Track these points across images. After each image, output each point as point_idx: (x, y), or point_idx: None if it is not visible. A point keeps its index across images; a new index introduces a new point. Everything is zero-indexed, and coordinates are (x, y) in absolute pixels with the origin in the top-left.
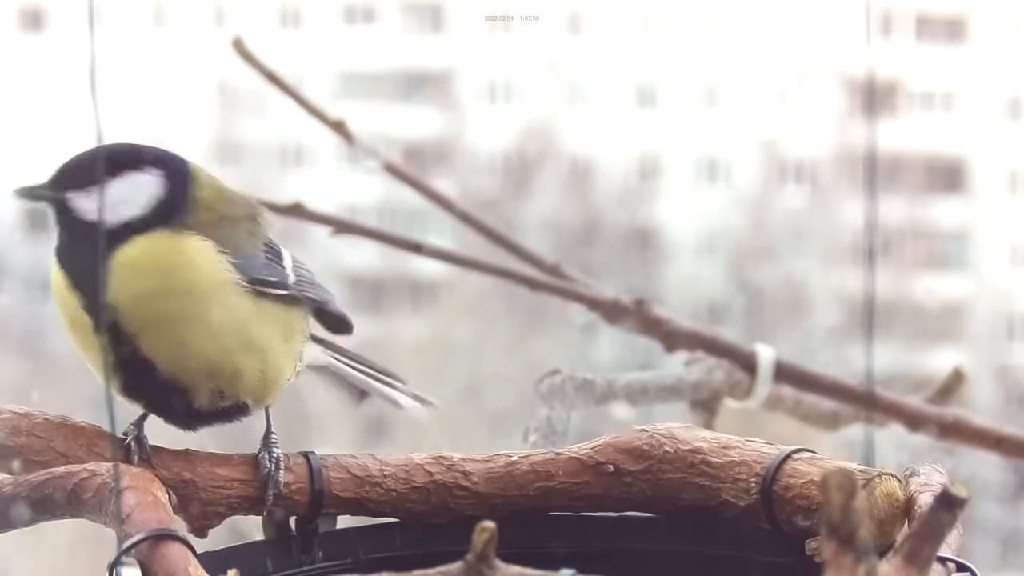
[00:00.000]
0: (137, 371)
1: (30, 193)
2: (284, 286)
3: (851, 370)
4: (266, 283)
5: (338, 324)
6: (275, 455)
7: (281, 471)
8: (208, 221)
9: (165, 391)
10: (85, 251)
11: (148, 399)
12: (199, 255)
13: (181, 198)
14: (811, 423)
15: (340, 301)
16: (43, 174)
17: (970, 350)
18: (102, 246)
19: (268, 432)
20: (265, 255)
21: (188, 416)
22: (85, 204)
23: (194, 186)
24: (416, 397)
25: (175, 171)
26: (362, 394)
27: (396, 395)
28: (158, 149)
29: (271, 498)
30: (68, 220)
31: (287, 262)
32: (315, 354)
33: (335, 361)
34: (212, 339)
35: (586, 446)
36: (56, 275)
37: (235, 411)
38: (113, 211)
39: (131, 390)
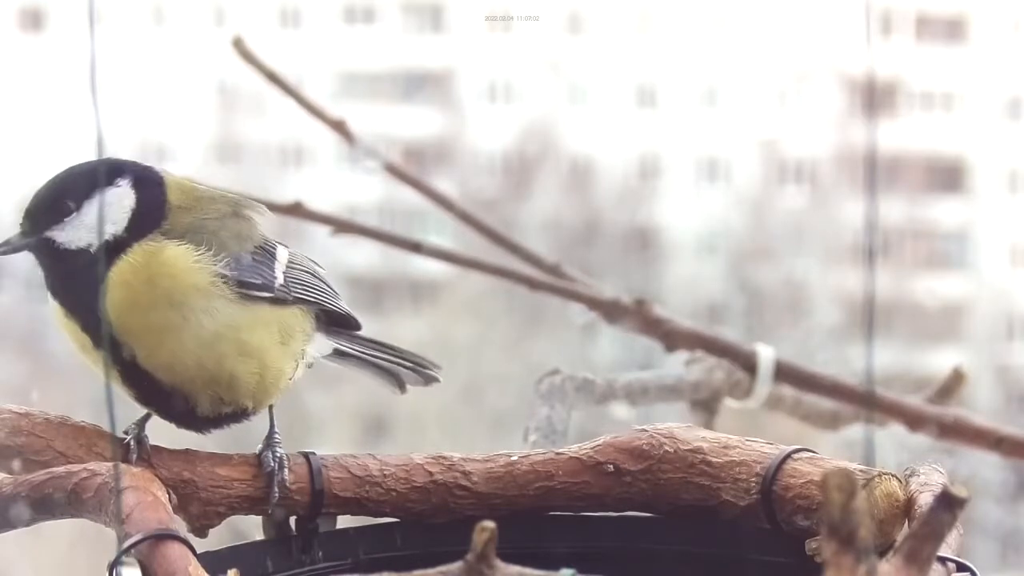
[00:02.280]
0: (139, 381)
1: (13, 247)
2: (269, 288)
3: (851, 370)
4: (250, 285)
5: (341, 322)
6: (278, 454)
7: (285, 470)
8: (187, 225)
9: (169, 398)
10: (73, 278)
11: (157, 406)
12: (176, 262)
13: (155, 205)
14: (811, 423)
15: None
16: (15, 223)
17: (970, 350)
18: (101, 266)
19: (272, 432)
20: (252, 256)
21: (195, 420)
22: (65, 235)
23: (165, 191)
24: (417, 371)
25: (141, 178)
26: (401, 382)
27: (399, 377)
28: (116, 160)
29: (276, 496)
30: (55, 254)
31: (279, 262)
32: (323, 346)
33: (347, 350)
34: (202, 347)
35: (586, 446)
36: (54, 308)
37: (241, 414)
38: (96, 234)
39: (141, 399)
